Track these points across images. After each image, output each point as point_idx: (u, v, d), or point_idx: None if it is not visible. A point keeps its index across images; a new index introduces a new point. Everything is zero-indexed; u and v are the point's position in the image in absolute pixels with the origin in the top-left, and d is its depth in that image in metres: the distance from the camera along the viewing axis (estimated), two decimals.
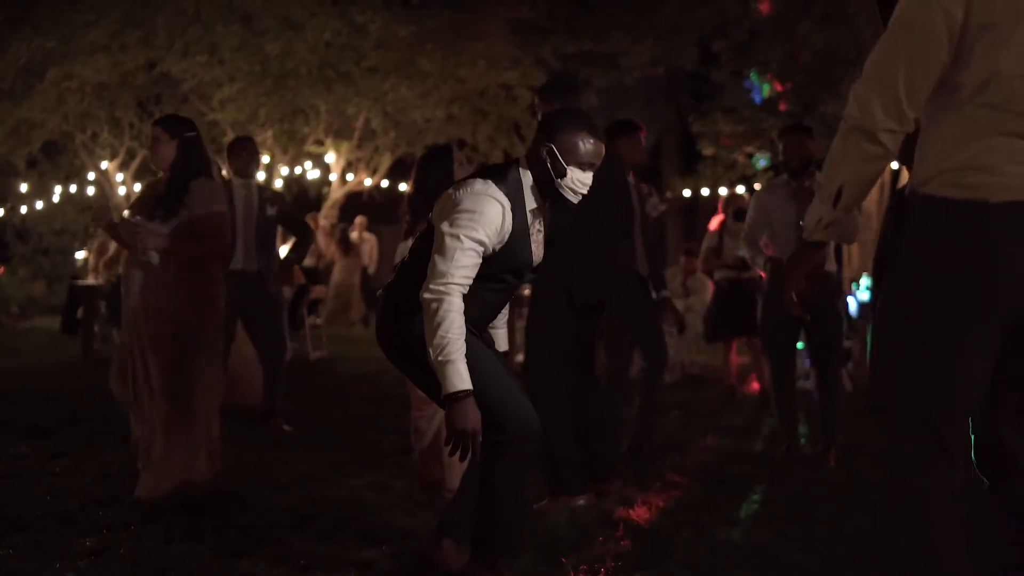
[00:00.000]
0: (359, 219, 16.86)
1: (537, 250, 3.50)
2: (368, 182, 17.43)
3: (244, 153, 6.84)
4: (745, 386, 9.36)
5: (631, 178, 5.97)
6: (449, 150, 5.01)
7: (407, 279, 3.44)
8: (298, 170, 16.49)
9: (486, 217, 3.26)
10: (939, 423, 2.55)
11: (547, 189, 3.44)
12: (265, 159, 15.59)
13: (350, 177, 17.37)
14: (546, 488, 4.68)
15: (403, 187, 18.96)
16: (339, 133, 16.62)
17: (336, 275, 16.00)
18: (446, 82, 15.60)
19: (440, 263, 3.23)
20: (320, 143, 16.77)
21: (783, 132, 6.40)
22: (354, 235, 16.53)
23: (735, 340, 9.08)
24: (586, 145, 3.43)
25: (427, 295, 3.23)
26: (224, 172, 6.99)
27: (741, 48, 16.60)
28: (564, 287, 4.71)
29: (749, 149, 16.93)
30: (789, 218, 5.93)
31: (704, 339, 9.56)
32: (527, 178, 3.43)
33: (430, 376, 3.38)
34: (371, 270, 16.68)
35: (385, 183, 17.68)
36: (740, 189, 16.10)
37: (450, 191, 3.36)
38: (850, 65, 14.28)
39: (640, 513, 4.53)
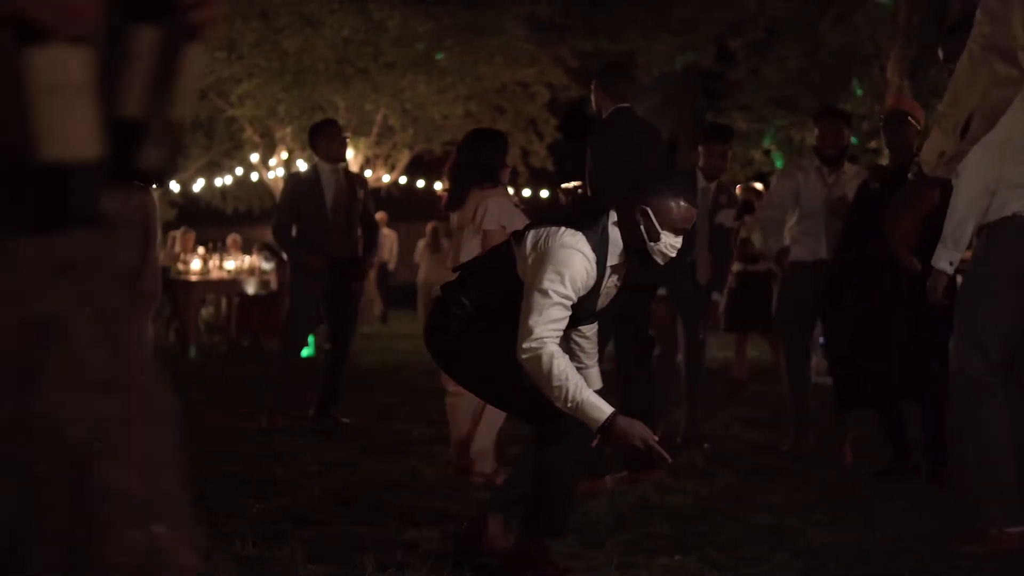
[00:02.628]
0: (379, 215, 16.87)
1: (604, 301, 3.45)
2: (386, 178, 17.48)
3: (328, 137, 6.59)
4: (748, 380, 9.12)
5: (706, 183, 5.94)
6: (505, 137, 5.02)
7: (468, 282, 3.48)
8: None
9: (573, 271, 3.21)
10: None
11: (636, 251, 3.36)
12: (283, 155, 15.65)
13: (368, 173, 17.41)
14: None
15: (421, 183, 19.03)
16: (357, 129, 16.66)
17: None
18: (463, 79, 15.63)
19: (528, 319, 3.19)
20: None
21: (819, 116, 5.97)
22: None
23: (747, 334, 8.98)
24: (680, 210, 3.33)
25: (524, 356, 3.19)
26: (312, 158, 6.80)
27: (757, 46, 16.62)
28: None
29: (766, 146, 16.95)
30: (817, 203, 5.73)
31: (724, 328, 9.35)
32: (615, 233, 3.34)
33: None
34: (390, 266, 16.73)
35: (403, 179, 17.72)
36: (758, 186, 16.09)
37: (541, 238, 3.28)
38: (868, 63, 14.32)
39: (675, 499, 4.56)
